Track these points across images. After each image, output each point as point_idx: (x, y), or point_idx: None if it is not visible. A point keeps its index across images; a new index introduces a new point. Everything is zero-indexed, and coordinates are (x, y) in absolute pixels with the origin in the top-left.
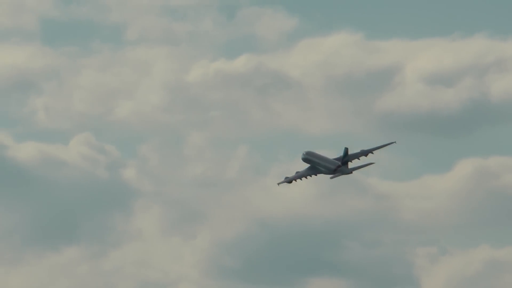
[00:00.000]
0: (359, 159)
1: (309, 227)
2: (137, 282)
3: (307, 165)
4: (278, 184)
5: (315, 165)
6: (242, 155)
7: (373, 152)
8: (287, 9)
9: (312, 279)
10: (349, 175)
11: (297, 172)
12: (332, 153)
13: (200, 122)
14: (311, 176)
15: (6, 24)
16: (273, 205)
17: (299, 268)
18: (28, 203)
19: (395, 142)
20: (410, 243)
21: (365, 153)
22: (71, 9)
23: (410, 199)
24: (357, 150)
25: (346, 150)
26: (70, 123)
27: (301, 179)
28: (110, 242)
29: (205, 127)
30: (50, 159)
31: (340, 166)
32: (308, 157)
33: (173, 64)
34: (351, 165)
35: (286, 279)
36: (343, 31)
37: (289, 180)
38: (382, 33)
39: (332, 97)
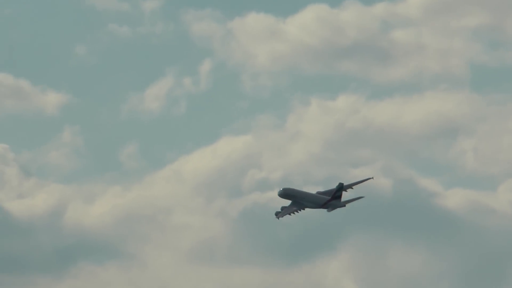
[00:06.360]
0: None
1: None
2: None
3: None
4: (278, 218)
5: (298, 200)
6: None
7: (353, 187)
8: None
9: None
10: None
11: (282, 208)
12: None
13: None
14: (299, 211)
15: (435, 70)
16: None
17: None
18: (457, 250)
19: (372, 177)
20: None
21: (344, 188)
22: (500, 54)
23: None
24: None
25: (341, 185)
26: (499, 169)
27: (294, 213)
28: None
29: None
30: (478, 206)
31: (330, 200)
32: (288, 193)
33: None
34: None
35: None
36: None
37: (282, 215)
38: None
39: None
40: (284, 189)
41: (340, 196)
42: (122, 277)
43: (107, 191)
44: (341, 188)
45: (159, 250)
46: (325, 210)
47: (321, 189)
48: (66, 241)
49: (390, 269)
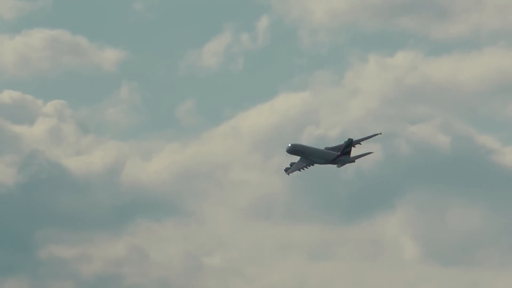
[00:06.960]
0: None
1: None
2: None
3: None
4: (288, 174)
5: (307, 156)
6: None
7: (361, 143)
8: None
9: None
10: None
11: (291, 164)
12: None
13: None
14: (308, 166)
15: (494, 26)
16: None
17: None
18: None
19: (380, 133)
20: None
21: (353, 144)
22: None
23: None
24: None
25: (350, 141)
26: None
27: (303, 169)
28: None
29: None
30: None
31: (339, 156)
32: (297, 149)
33: None
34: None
35: None
36: None
37: (292, 171)
38: None
39: None
40: (293, 145)
41: (349, 152)
42: (180, 234)
43: (164, 148)
44: (350, 143)
45: (217, 207)
46: (335, 166)
47: (330, 145)
48: (124, 198)
49: (448, 226)
